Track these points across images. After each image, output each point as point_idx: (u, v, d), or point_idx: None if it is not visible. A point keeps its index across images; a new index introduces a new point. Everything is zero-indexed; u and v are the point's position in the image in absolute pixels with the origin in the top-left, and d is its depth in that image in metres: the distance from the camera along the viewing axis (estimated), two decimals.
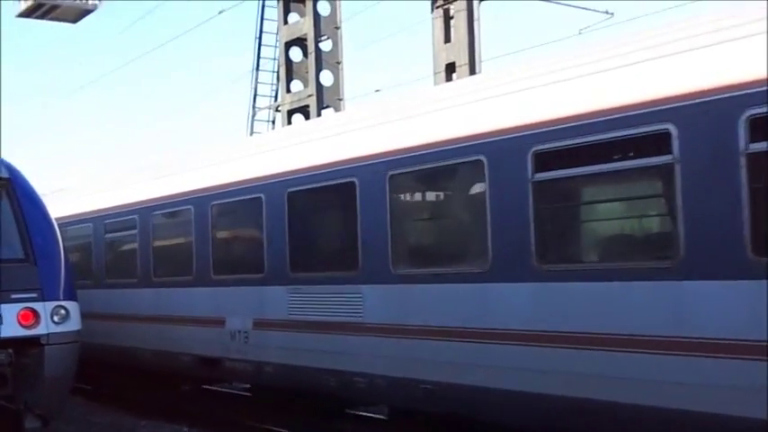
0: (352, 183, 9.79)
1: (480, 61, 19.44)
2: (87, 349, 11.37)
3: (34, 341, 10.36)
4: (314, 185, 10.45)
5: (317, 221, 10.93)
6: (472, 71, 18.85)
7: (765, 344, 6.31)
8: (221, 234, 12.45)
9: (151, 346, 13.73)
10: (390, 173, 9.32)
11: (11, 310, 10.26)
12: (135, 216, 13.99)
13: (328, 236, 10.98)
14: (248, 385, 14.02)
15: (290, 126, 22.60)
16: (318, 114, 23.71)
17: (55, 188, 17.32)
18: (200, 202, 12.55)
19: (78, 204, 16.03)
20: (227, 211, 12.29)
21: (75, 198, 16.60)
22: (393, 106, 10.06)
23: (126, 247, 14.69)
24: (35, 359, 10.40)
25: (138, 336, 14.04)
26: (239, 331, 11.74)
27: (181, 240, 13.17)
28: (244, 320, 11.65)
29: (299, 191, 10.69)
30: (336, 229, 10.79)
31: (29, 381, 10.38)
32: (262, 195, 11.28)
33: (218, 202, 12.24)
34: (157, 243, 13.74)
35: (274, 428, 12.51)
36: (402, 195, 9.65)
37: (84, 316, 10.97)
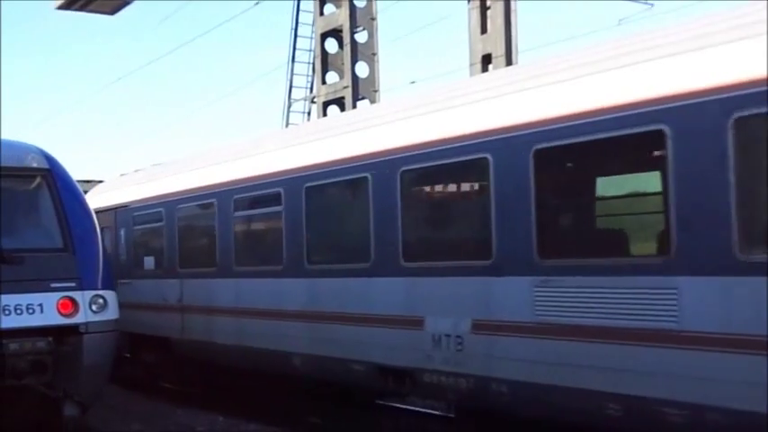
0: None
1: (517, 52, 19.28)
2: (201, 349, 13.06)
3: (73, 330, 10.53)
4: None
5: (578, 195, 8.47)
6: (509, 62, 18.74)
7: None
8: (417, 208, 9.88)
9: (302, 350, 11.27)
10: None
11: (50, 299, 10.44)
12: (280, 189, 11.63)
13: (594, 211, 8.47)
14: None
15: None
16: (354, 106, 23.62)
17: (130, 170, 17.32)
18: (388, 165, 9.76)
19: (198, 178, 13.95)
20: (434, 176, 9.59)
21: (191, 174, 14.44)
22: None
23: (264, 228, 12.67)
24: (74, 347, 10.56)
25: (279, 336, 11.68)
26: (448, 335, 9.12)
27: (357, 218, 10.47)
28: (456, 321, 8.99)
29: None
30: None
31: (68, 368, 10.52)
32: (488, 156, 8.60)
33: (411, 166, 9.51)
34: (315, 222, 11.19)
35: (310, 419, 12.62)
36: None
37: (203, 311, 12.80)
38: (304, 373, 11.34)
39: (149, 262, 15.04)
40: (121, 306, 11.56)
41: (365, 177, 10.05)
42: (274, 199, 11.79)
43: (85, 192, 17.92)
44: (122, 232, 15.85)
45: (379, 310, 9.88)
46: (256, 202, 12.43)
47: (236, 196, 12.56)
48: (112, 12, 25.97)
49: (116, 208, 16.02)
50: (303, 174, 11.13)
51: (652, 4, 18.25)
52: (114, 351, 11.25)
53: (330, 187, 10.88)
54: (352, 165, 10.29)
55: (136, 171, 16.86)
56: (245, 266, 12.38)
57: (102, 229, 14.40)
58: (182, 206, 14.04)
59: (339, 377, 10.72)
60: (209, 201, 13.27)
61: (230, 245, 12.72)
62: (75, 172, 11.76)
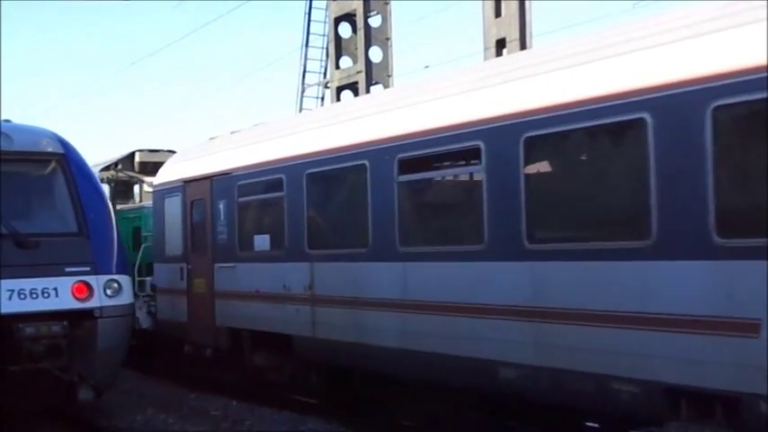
0: None
1: (531, 36, 19.10)
2: (342, 352, 10.79)
3: (88, 314, 10.52)
4: None
5: None
6: (523, 46, 18.42)
7: None
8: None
9: (519, 359, 8.65)
10: None
11: (65, 283, 10.42)
12: (478, 143, 9.08)
13: None
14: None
15: None
16: (368, 91, 23.02)
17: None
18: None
19: (340, 135, 11.25)
20: None
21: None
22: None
23: (450, 196, 10.43)
24: (88, 331, 10.55)
25: (476, 340, 9.12)
26: None
27: (617, 175, 8.07)
28: None
29: None
30: None
31: (82, 352, 10.50)
32: None
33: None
34: (544, 184, 8.81)
35: (306, 400, 12.95)
36: None
37: (346, 303, 10.65)
38: (520, 392, 8.81)
39: (262, 241, 12.69)
40: (222, 295, 11.55)
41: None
42: (470, 156, 9.28)
43: (157, 164, 17.50)
44: (221, 206, 13.53)
45: (672, 307, 7.25)
46: (438, 161, 9.83)
47: (401, 155, 10.05)
48: None
49: (212, 177, 13.92)
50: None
51: None
52: (129, 335, 11.15)
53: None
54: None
55: (233, 133, 14.77)
56: (417, 246, 9.84)
57: (191, 203, 13.84)
58: (314, 171, 11.48)
59: (588, 401, 8.11)
60: (359, 162, 10.68)
61: (392, 219, 10.03)
62: (93, 155, 11.72)
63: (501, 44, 19.46)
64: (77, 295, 10.45)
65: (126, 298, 10.91)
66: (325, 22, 25.16)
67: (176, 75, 79.41)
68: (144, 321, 16.38)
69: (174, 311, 15.08)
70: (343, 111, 11.94)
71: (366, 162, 10.52)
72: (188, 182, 14.66)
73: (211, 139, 15.41)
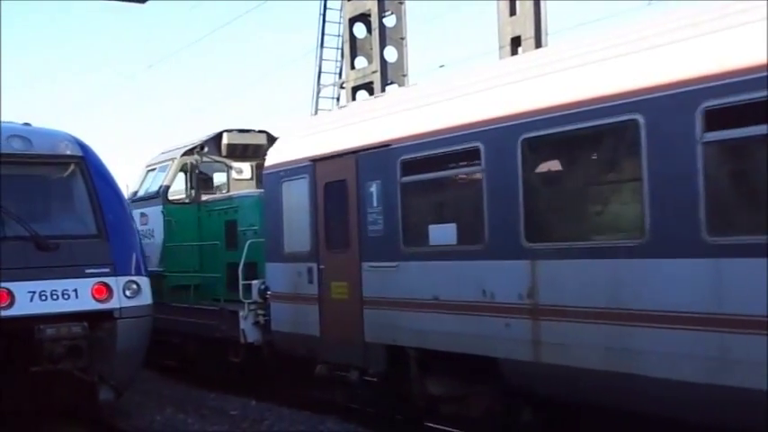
0: None
1: (546, 34, 18.92)
2: (591, 384, 7.71)
3: (107, 315, 10.68)
4: None
5: None
6: (538, 44, 18.32)
7: None
8: None
9: None
10: None
11: (85, 285, 10.58)
12: None
13: None
14: None
15: None
16: (383, 91, 22.43)
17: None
18: None
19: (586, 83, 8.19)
20: None
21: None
22: None
23: None
24: (108, 332, 10.71)
25: None
26: None
27: None
28: None
29: None
30: None
31: (102, 353, 10.65)
32: None
33: None
34: None
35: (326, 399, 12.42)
36: None
37: (603, 316, 7.59)
38: None
39: (443, 233, 9.62)
40: (375, 303, 9.74)
41: None
42: None
43: (246, 147, 15.86)
44: (374, 188, 10.47)
45: None
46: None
47: (709, 104, 6.99)
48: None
49: (357, 152, 10.77)
50: None
51: None
52: (148, 336, 11.27)
53: None
54: None
55: (379, 96, 11.57)
56: (745, 236, 6.79)
57: (324, 187, 11.09)
58: (536, 135, 8.46)
59: None
60: (625, 118, 7.62)
61: (691, 195, 7.05)
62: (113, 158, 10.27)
63: (516, 42, 19.12)
64: (97, 296, 10.62)
65: (145, 299, 11.08)
66: (339, 23, 25.01)
67: (191, 77, 77.87)
68: (250, 334, 13.36)
69: (297, 322, 12.03)
70: (590, 47, 8.50)
71: (639, 117, 7.47)
72: (319, 160, 11.56)
73: (341, 107, 12.29)
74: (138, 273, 11.11)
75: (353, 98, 24.08)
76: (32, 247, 10.54)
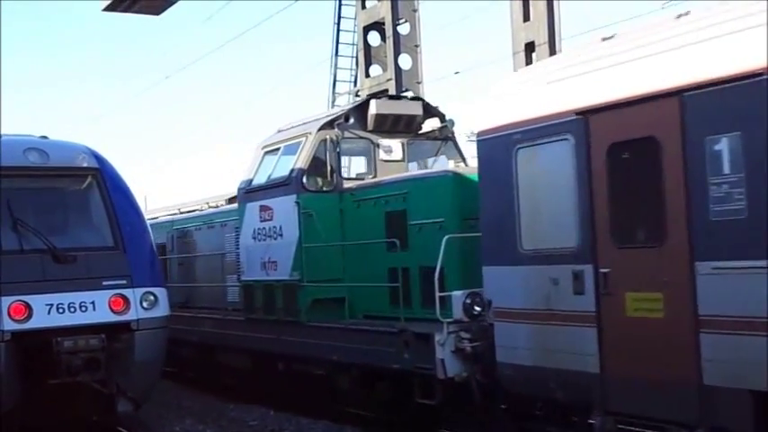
0: None
1: (560, 40, 18.62)
2: None
3: (125, 326, 10.74)
4: None
5: None
6: (552, 50, 18.01)
7: None
8: None
9: None
10: None
11: (102, 297, 10.68)
12: None
13: None
14: None
15: None
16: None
17: None
18: None
19: None
20: None
21: None
22: None
23: None
24: (126, 344, 10.77)
25: None
26: None
27: None
28: None
29: None
30: None
31: (120, 365, 10.69)
32: None
33: None
34: None
35: (357, 411, 11.66)
36: None
37: None
38: None
39: None
40: (734, 325, 6.06)
41: None
42: None
43: (398, 119, 12.63)
44: (724, 146, 6.67)
45: None
46: None
47: None
48: (158, 12, 25.26)
49: (682, 91, 7.03)
50: None
51: None
52: (165, 347, 11.27)
53: None
54: None
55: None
56: None
57: (608, 151, 7.87)
58: None
59: None
60: None
61: None
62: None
63: (530, 48, 18.70)
64: (114, 308, 10.70)
65: (162, 310, 11.12)
66: (354, 32, 25.04)
67: (205, 88, 75.94)
68: (451, 366, 9.60)
69: (549, 352, 8.25)
70: None
71: None
72: (595, 111, 7.78)
73: (607, 39, 8.39)
74: (155, 284, 11.15)
75: None
76: (50, 259, 10.67)
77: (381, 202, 11.60)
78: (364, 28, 24.26)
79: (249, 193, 13.32)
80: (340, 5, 25.23)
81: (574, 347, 7.98)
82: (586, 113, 7.84)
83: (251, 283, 13.27)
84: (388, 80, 23.67)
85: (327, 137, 12.28)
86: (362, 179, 12.59)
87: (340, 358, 11.35)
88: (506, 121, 8.75)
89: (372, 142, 12.74)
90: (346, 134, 12.51)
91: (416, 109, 12.82)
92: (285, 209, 12.38)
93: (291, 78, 75.54)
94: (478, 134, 9.18)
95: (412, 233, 10.94)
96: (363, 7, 23.97)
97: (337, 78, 25.64)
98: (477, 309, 9.71)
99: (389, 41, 23.65)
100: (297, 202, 12.10)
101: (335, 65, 25.66)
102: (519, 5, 19.31)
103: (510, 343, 8.75)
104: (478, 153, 9.21)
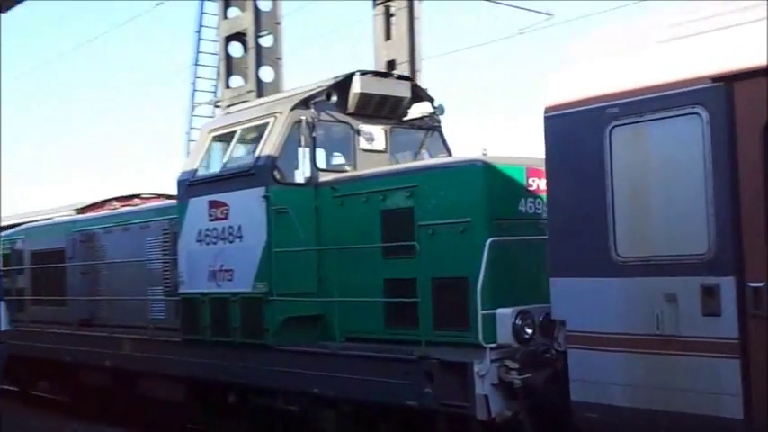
0: None
1: (420, 59, 19.69)
2: None
3: None
4: None
5: None
6: (412, 69, 19.08)
7: None
8: None
9: None
10: None
11: None
12: None
13: None
14: None
15: None
16: None
17: None
18: None
19: None
20: None
21: None
22: None
23: None
24: None
25: None
26: None
27: None
28: None
29: None
30: None
31: None
32: None
33: None
34: None
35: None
36: None
37: None
38: None
39: None
40: None
41: None
42: None
43: (383, 101, 10.71)
44: None
45: None
46: None
47: None
48: (4, 9, 23.17)
49: None
50: None
51: (552, 15, 17.58)
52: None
53: None
54: None
55: None
56: None
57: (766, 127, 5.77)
58: None
59: None
60: None
61: None
62: None
63: (391, 66, 19.23)
64: None
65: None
66: (215, 42, 24.77)
67: (56, 93, 70.87)
68: (495, 403, 7.58)
69: (662, 390, 6.36)
70: None
71: None
72: (744, 77, 5.97)
73: None
74: None
75: None
76: None
77: (376, 199, 9.44)
78: (226, 38, 24.21)
79: (193, 186, 10.89)
80: (201, 14, 24.90)
81: (702, 385, 6.12)
82: (729, 80, 6.01)
83: (194, 297, 10.83)
84: (249, 92, 23.72)
85: (303, 118, 10.04)
86: (341, 171, 10.41)
87: (325, 391, 9.11)
88: (594, 92, 6.82)
89: (352, 128, 10.59)
90: (322, 116, 10.31)
91: (405, 91, 10.75)
92: (247, 205, 10.04)
93: (149, 86, 71.75)
94: (547, 110, 7.20)
95: (421, 237, 8.84)
96: (225, 17, 23.72)
97: (197, 88, 25.59)
98: (529, 331, 7.75)
99: (251, 53, 23.71)
100: (265, 197, 9.79)
101: (195, 74, 25.59)
102: (382, 24, 20.07)
103: (595, 377, 6.80)
104: (547, 133, 7.22)
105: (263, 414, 10.24)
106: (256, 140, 10.26)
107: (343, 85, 10.44)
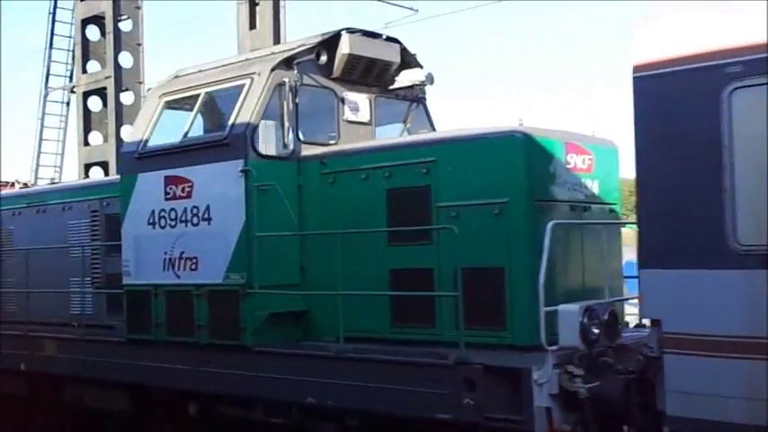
0: None
1: None
2: None
3: None
4: None
5: None
6: None
7: None
8: None
9: None
10: None
11: None
12: None
13: None
14: None
15: None
16: (117, 97, 23.42)
17: None
18: None
19: None
20: None
21: None
22: None
23: None
24: None
25: None
26: None
27: None
28: None
29: None
30: None
31: None
32: None
33: None
34: None
35: None
36: None
37: None
38: None
39: None
40: None
41: None
42: None
43: (372, 65, 9.37)
44: None
45: None
46: None
47: None
48: None
49: None
50: None
51: (416, 10, 17.82)
52: None
53: None
54: None
55: None
56: None
57: None
58: None
59: None
60: None
61: None
62: None
63: None
64: None
65: None
66: (71, 24, 24.43)
67: None
68: (556, 419, 6.42)
69: None
70: None
71: None
72: None
73: None
74: None
75: (85, 104, 24.06)
76: None
77: (379, 176, 8.06)
78: (83, 21, 23.59)
79: (143, 159, 9.20)
80: None
81: None
82: None
83: (143, 289, 9.14)
84: (107, 77, 23.30)
85: (285, 80, 8.53)
86: (324, 145, 8.96)
87: (323, 402, 7.68)
88: (706, 47, 5.69)
89: (336, 95, 9.15)
90: (305, 79, 8.82)
91: (394, 55, 9.39)
92: (218, 181, 8.47)
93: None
94: (638, 68, 6.02)
95: (442, 220, 7.54)
96: None
97: (51, 72, 24.74)
98: (596, 331, 6.58)
99: (110, 37, 23.20)
100: (244, 171, 8.24)
101: (49, 57, 24.67)
102: (246, 13, 19.75)
103: (702, 388, 5.69)
104: (637, 96, 6.05)
105: (232, 426, 8.71)
106: (228, 106, 8.68)
107: (328, 44, 8.99)
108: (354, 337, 7.94)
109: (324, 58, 8.85)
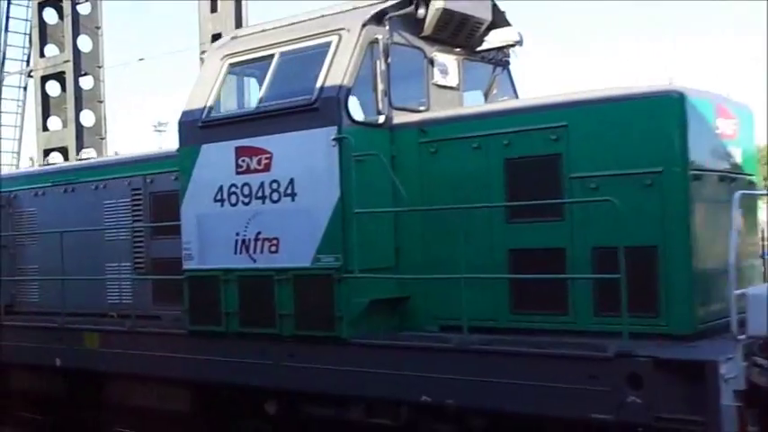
0: None
1: None
2: None
3: None
4: None
5: None
6: None
7: None
8: None
9: None
10: None
11: None
12: None
13: None
14: None
15: None
16: (76, 82, 23.18)
17: None
18: None
19: None
20: None
21: None
22: None
23: None
24: None
25: None
26: None
27: None
28: None
29: None
30: None
31: None
32: None
33: None
34: None
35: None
36: None
37: None
38: None
39: None
40: None
41: None
42: None
43: (465, 22, 8.43)
44: None
45: None
46: None
47: None
48: None
49: None
50: None
51: None
52: None
53: None
54: None
55: None
56: None
57: None
58: None
59: None
60: None
61: None
62: None
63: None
64: None
65: None
66: (28, 6, 23.82)
67: None
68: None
69: None
70: None
71: None
72: None
73: None
74: None
75: (43, 88, 23.75)
76: None
77: (496, 144, 7.12)
78: (39, 4, 23.09)
79: (208, 128, 8.15)
80: None
81: None
82: None
83: (210, 275, 8.11)
84: (66, 61, 22.87)
85: (378, 37, 7.54)
86: (415, 111, 7.98)
87: (442, 400, 6.74)
88: None
89: (426, 56, 8.17)
90: (395, 37, 7.84)
91: (486, 12, 8.43)
92: (305, 151, 7.46)
93: None
94: None
95: (576, 193, 6.64)
96: None
97: (7, 56, 24.39)
98: None
99: (68, 20, 22.71)
100: (338, 140, 7.24)
101: (5, 41, 24.23)
102: None
103: None
104: None
105: (317, 427, 7.74)
106: (310, 68, 7.66)
107: None
108: (460, 326, 7.01)
109: (422, 12, 7.87)
